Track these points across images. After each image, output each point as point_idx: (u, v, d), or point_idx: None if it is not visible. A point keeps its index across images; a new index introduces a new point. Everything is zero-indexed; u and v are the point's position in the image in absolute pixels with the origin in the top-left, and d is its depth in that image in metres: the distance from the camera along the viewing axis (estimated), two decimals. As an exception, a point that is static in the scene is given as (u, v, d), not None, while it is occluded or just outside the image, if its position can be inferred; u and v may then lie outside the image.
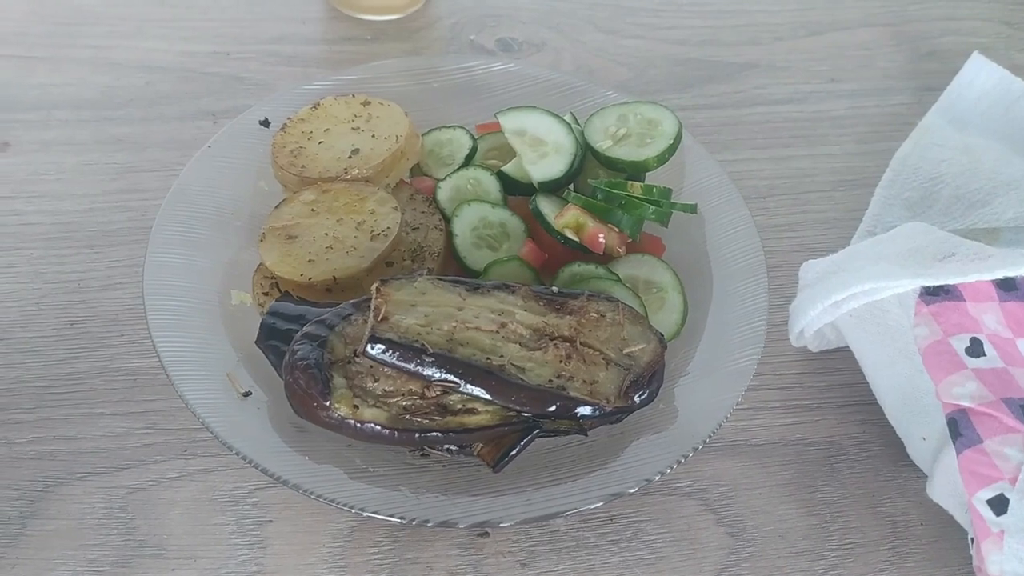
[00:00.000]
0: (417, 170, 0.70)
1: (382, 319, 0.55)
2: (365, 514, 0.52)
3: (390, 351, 0.54)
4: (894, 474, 0.59)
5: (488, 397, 0.54)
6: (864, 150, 0.78)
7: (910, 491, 0.58)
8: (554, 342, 0.56)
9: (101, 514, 0.56)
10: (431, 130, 0.72)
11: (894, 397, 0.59)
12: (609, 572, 0.55)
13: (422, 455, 0.56)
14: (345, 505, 0.52)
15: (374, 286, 0.57)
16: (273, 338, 0.59)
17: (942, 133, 0.75)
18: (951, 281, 0.54)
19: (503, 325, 0.56)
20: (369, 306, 0.57)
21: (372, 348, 0.54)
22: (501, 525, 0.53)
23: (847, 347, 0.62)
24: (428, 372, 0.54)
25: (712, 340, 0.61)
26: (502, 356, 0.55)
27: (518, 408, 0.54)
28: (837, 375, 0.63)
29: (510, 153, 0.69)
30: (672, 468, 0.54)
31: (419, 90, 0.75)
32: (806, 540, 0.56)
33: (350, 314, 0.58)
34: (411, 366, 0.54)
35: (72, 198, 0.72)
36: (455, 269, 0.64)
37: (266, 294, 0.63)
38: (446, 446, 0.55)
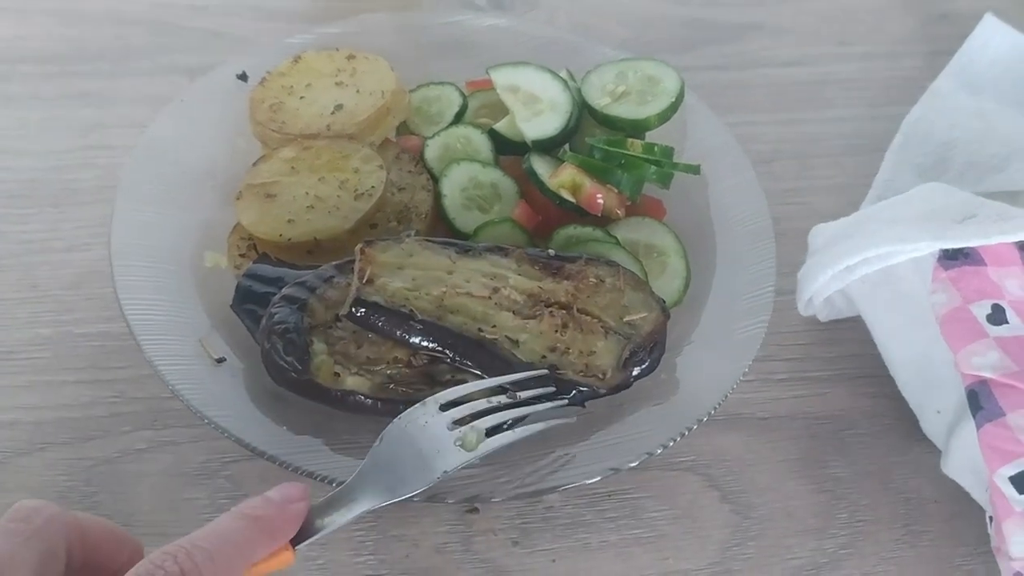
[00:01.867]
0: (404, 128, 0.67)
1: (367, 281, 0.52)
2: (346, 488, 0.49)
3: (375, 315, 0.51)
4: (907, 449, 0.56)
5: (478, 372, 0.51)
6: (874, 114, 0.75)
7: (924, 467, 0.55)
8: (549, 309, 0.53)
9: (64, 487, 0.53)
10: (419, 86, 0.68)
11: (908, 368, 0.56)
12: (607, 551, 0.52)
13: (408, 426, 0.53)
14: (326, 479, 0.49)
15: (358, 247, 0.53)
16: (249, 301, 0.55)
17: (954, 97, 0.72)
18: (972, 243, 0.51)
19: (496, 290, 0.53)
20: (353, 268, 0.53)
21: (356, 312, 0.51)
22: (492, 500, 0.50)
23: (858, 316, 0.59)
24: (415, 340, 0.51)
25: (717, 308, 0.58)
26: (494, 327, 0.52)
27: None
28: (847, 345, 0.60)
29: (502, 112, 0.66)
30: (675, 441, 0.51)
31: (406, 46, 0.71)
32: (815, 518, 0.54)
33: (332, 276, 0.54)
34: (397, 332, 0.51)
35: (36, 155, 0.68)
36: (443, 231, 0.61)
37: (243, 255, 0.59)
38: (433, 417, 0.52)
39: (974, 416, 0.49)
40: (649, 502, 0.54)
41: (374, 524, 0.52)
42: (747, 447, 0.56)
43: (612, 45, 0.74)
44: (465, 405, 0.48)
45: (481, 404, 0.49)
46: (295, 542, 0.42)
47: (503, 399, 0.49)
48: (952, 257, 0.52)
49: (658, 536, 0.53)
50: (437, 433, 0.47)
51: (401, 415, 0.47)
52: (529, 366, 0.51)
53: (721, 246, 0.61)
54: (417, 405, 0.48)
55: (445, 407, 0.48)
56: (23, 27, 0.77)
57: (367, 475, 0.45)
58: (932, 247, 0.52)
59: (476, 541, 0.52)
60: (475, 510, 0.53)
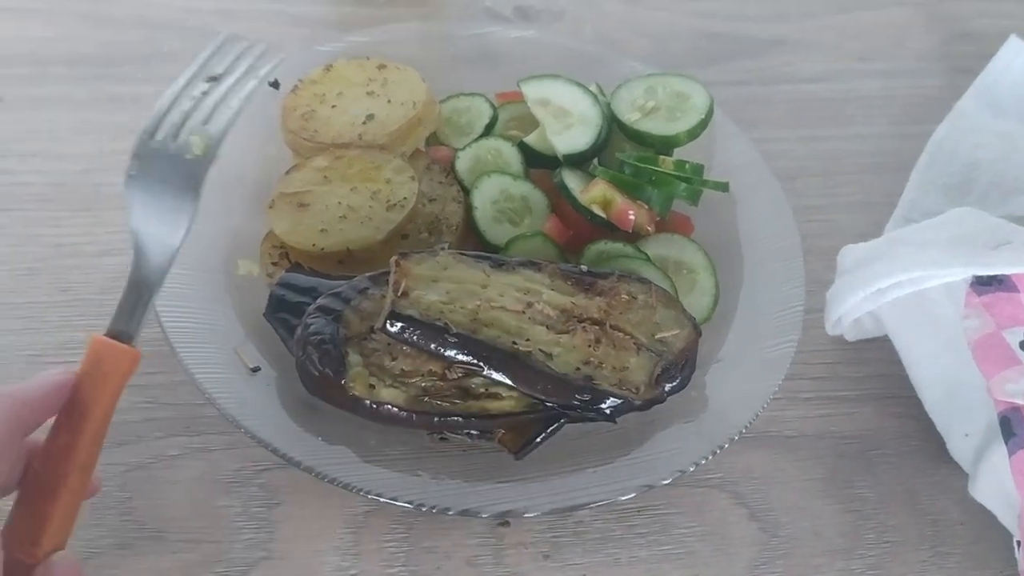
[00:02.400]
0: (433, 139, 0.67)
1: (402, 294, 0.52)
2: (382, 500, 0.49)
3: (410, 329, 0.51)
4: (933, 470, 0.57)
5: (512, 384, 0.51)
6: (895, 132, 0.75)
7: (950, 489, 0.56)
8: (583, 324, 0.53)
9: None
10: (449, 97, 0.68)
11: (937, 391, 0.56)
12: (636, 566, 0.52)
13: (441, 439, 0.53)
14: (360, 490, 0.49)
15: (393, 259, 0.53)
16: (283, 311, 0.55)
17: (979, 117, 0.73)
18: (1006, 271, 0.52)
19: (529, 305, 0.53)
20: (387, 280, 0.53)
21: (391, 325, 0.51)
22: (525, 516, 0.50)
23: (884, 336, 0.59)
24: (450, 353, 0.51)
25: (745, 326, 0.58)
26: (528, 340, 0.52)
27: (543, 397, 0.51)
28: (874, 365, 0.61)
29: (531, 124, 0.66)
30: (707, 459, 0.51)
31: (433, 56, 0.72)
32: (842, 538, 0.54)
33: (367, 288, 0.55)
34: (432, 346, 0.51)
35: (68, 158, 0.68)
36: (474, 243, 0.61)
37: (275, 264, 0.59)
38: (466, 430, 0.52)
39: (1006, 442, 0.49)
40: (678, 518, 0.54)
41: (406, 536, 0.53)
42: (775, 465, 0.57)
43: (636, 58, 0.75)
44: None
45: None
46: (131, 342, 0.46)
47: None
48: (985, 283, 0.53)
49: (687, 552, 0.53)
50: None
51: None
52: (564, 376, 0.51)
53: (748, 264, 0.61)
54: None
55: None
56: (53, 28, 0.77)
57: (140, 254, 0.49)
58: (965, 273, 0.53)
59: (507, 554, 0.52)
60: (506, 523, 0.53)
